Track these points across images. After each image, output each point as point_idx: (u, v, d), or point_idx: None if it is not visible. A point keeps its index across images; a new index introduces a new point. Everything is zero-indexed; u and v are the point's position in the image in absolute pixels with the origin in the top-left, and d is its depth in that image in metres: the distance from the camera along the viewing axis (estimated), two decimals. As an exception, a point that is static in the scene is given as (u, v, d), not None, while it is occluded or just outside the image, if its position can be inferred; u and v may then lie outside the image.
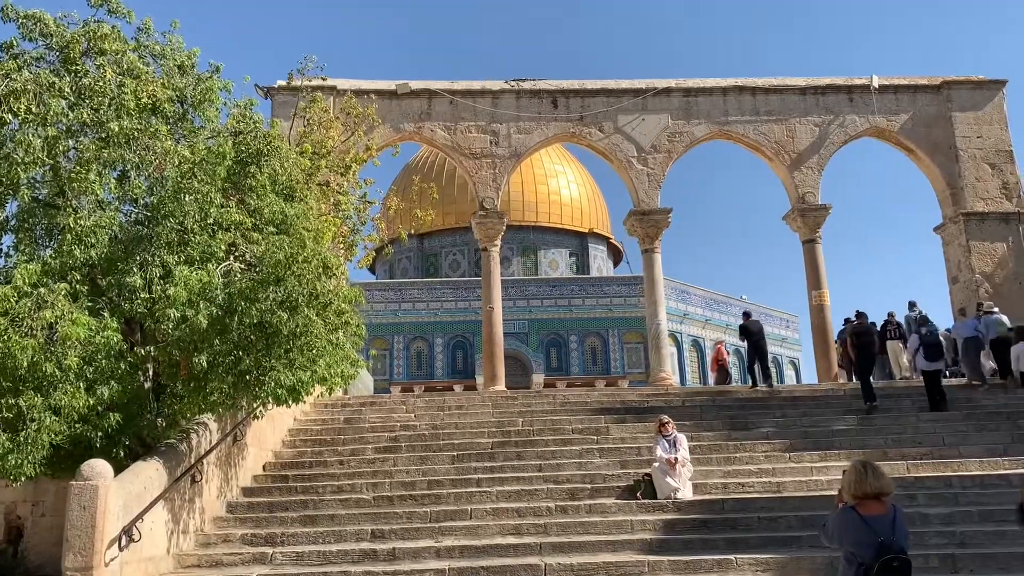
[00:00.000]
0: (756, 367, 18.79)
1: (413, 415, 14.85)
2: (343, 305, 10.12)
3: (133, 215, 9.72)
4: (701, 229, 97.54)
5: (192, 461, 9.14)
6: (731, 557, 8.30)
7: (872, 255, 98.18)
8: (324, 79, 17.21)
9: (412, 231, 50.49)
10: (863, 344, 15.15)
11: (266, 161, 10.88)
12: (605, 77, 20.65)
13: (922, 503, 9.96)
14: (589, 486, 10.89)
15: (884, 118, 20.97)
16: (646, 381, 32.07)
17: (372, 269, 55.19)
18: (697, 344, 46.60)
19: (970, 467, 11.30)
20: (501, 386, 18.94)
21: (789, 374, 48.47)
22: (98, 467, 6.96)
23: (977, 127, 20.91)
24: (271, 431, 12.83)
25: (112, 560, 7.03)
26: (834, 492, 10.01)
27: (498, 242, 20.26)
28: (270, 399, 8.76)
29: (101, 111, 8.85)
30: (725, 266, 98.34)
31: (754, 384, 16.90)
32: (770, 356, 20.42)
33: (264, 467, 12.21)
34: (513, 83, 20.81)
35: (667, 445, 10.84)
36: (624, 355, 45.21)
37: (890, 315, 18.92)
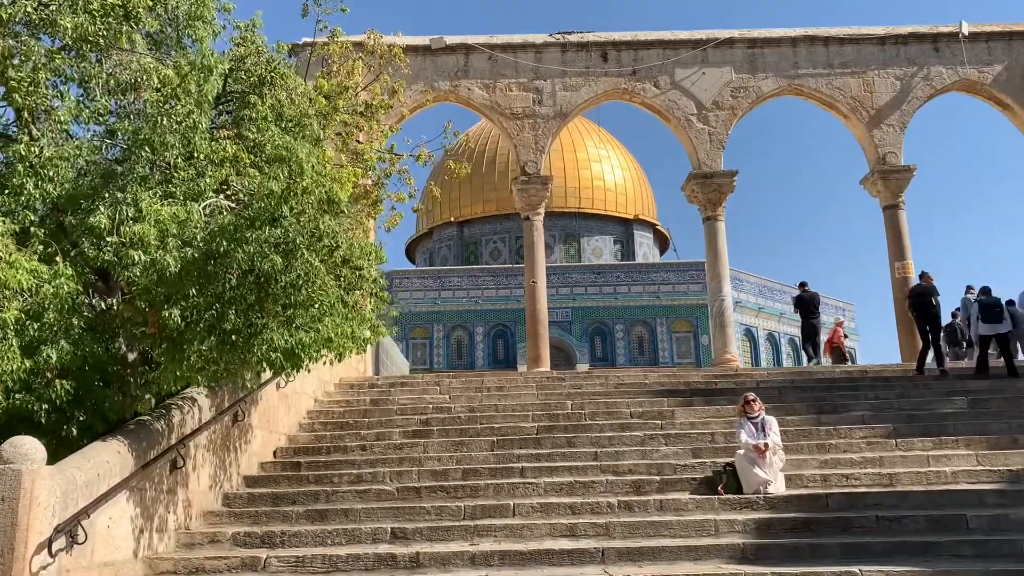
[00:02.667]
0: (810, 344, 17.80)
1: (448, 396, 13.08)
2: (359, 260, 8.36)
3: (105, 146, 8.03)
4: (755, 204, 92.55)
5: (172, 442, 7.44)
6: (854, 569, 6.33)
7: (960, 226, 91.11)
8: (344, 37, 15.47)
9: (451, 216, 48.76)
10: (920, 305, 14.36)
11: (270, 91, 9.16)
12: (660, 28, 18.42)
13: (1083, 501, 7.90)
14: (657, 478, 8.99)
15: (975, 69, 18.64)
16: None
17: (412, 258, 53.90)
18: (750, 333, 44.39)
19: None
20: (546, 368, 17.12)
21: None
22: (23, 446, 5.26)
23: (1083, 77, 18.48)
24: (285, 412, 11.16)
25: (44, 568, 5.34)
26: (962, 486, 7.87)
27: (541, 210, 18.40)
28: (264, 365, 7.01)
29: (51, 6, 7.17)
30: (780, 248, 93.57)
31: (809, 361, 15.86)
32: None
33: (275, 453, 10.54)
34: (558, 36, 18.89)
35: (753, 429, 8.90)
36: (673, 344, 43.31)
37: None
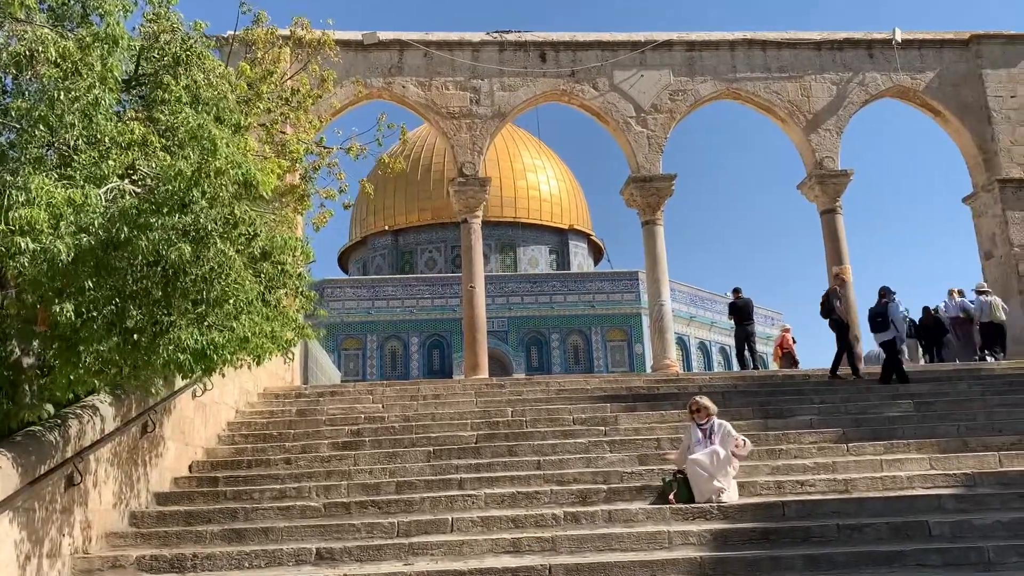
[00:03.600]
0: (746, 351, 17.81)
1: (381, 405, 12.37)
2: (282, 255, 7.66)
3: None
4: (692, 210, 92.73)
5: (67, 455, 6.60)
6: (820, 583, 5.90)
7: (895, 230, 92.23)
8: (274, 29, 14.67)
9: (385, 225, 47.72)
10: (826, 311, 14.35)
11: (185, 71, 8.39)
12: (599, 30, 18.08)
13: (1041, 504, 7.65)
14: (604, 487, 8.47)
15: (908, 76, 18.80)
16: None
17: (345, 267, 52.74)
18: (682, 342, 44.60)
19: (1078, 459, 9.03)
20: (484, 375, 16.52)
21: (779, 375, 46.57)
22: None
23: (1011, 86, 18.80)
24: (202, 424, 10.30)
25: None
26: (919, 491, 7.53)
27: (479, 213, 17.85)
28: (172, 368, 6.24)
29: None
30: (714, 255, 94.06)
31: (744, 368, 15.65)
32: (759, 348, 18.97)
33: (191, 467, 9.68)
34: (496, 35, 18.40)
35: (700, 435, 8.44)
36: (608, 353, 43.32)
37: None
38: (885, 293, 13.64)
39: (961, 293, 18.23)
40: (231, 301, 6.33)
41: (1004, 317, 16.91)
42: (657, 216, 18.00)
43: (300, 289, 8.45)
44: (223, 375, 7.29)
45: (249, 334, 6.49)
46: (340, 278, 47.33)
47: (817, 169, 18.23)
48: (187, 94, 8.01)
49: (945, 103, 18.79)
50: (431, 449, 9.89)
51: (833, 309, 14.00)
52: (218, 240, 6.05)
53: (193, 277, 6.10)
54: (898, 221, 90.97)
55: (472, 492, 8.31)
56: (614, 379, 14.42)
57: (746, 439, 8.44)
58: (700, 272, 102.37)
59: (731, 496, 7.93)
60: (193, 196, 6.16)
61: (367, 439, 10.48)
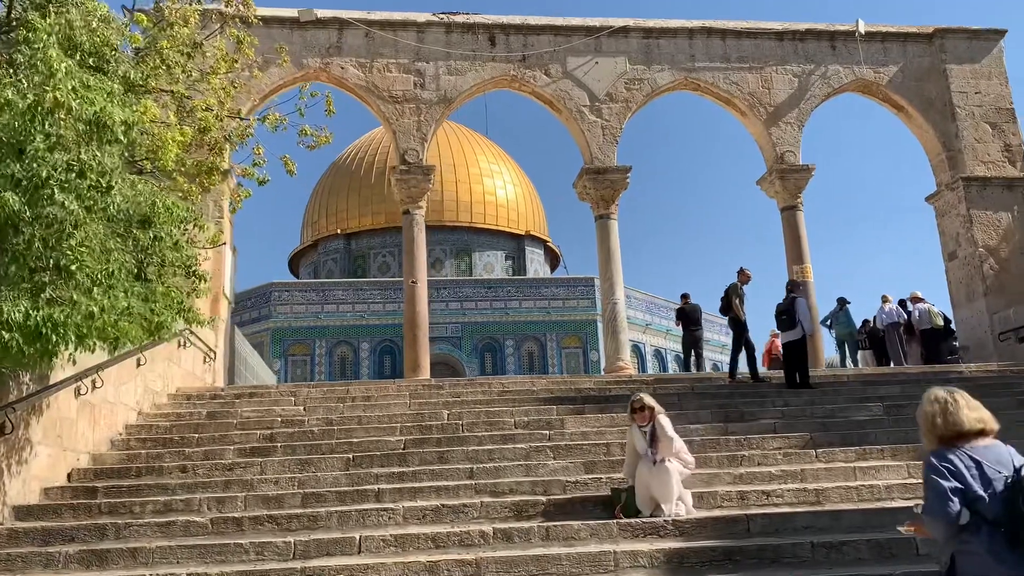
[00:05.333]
0: (692, 358, 17.33)
1: (302, 408, 11.13)
2: (165, 224, 6.44)
3: None
4: (647, 206, 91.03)
5: None
6: (796, 617, 4.84)
7: (857, 229, 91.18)
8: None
9: (338, 229, 46.38)
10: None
11: (57, 9, 7.15)
12: (552, 14, 17.07)
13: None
14: (543, 498, 7.36)
15: (871, 69, 18.11)
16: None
17: (295, 271, 51.13)
18: (638, 349, 43.88)
19: (1068, 465, 8.15)
20: (426, 376, 15.35)
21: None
22: None
23: (975, 82, 18.22)
24: (89, 426, 8.97)
25: None
26: (899, 503, 6.48)
27: (423, 203, 16.68)
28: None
29: None
30: (670, 253, 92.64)
31: None
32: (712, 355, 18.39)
33: (70, 476, 8.35)
34: (442, 15, 17.29)
35: (642, 439, 7.33)
36: (563, 360, 42.44)
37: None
38: (792, 288, 12.66)
39: (888, 299, 17.84)
40: (78, 269, 5.09)
41: (942, 323, 16.71)
42: (611, 210, 17.03)
43: (191, 267, 7.22)
44: (74, 361, 6.04)
45: (96, 310, 5.24)
46: (288, 281, 45.78)
47: (778, 164, 17.43)
48: (58, 35, 6.75)
49: (908, 98, 18.13)
50: (350, 456, 8.69)
51: (731, 307, 12.88)
52: (56, 191, 4.82)
53: (27, 237, 4.87)
54: (860, 220, 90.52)
55: (390, 505, 7.14)
56: (563, 380, 13.35)
57: (682, 454, 7.26)
58: (655, 276, 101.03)
59: (686, 507, 6.87)
60: (30, 136, 4.93)
61: (279, 445, 9.25)
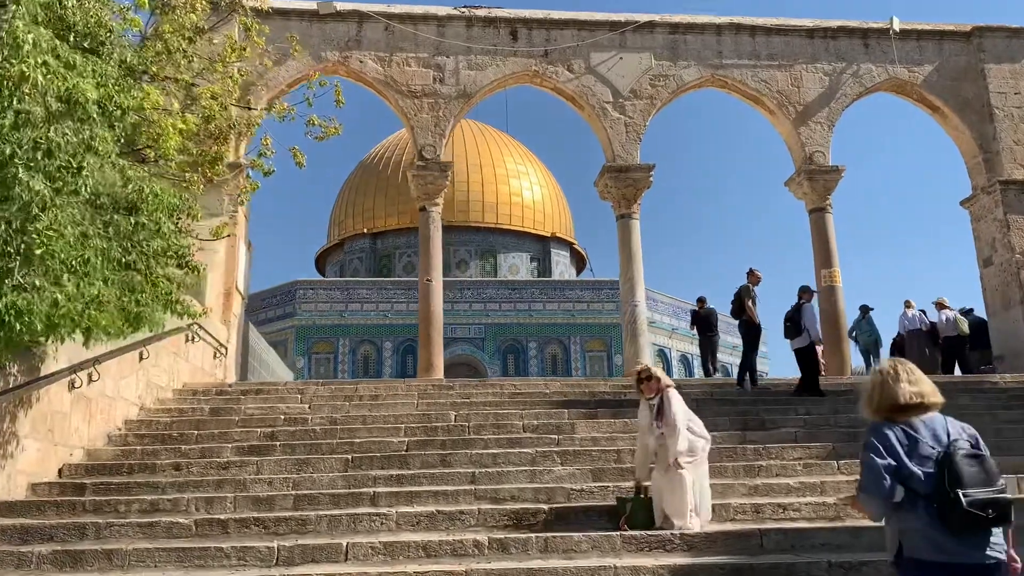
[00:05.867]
0: (708, 361, 17.04)
1: (307, 406, 10.85)
2: (155, 212, 6.15)
3: None
4: (671, 206, 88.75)
5: None
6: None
7: (888, 233, 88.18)
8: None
9: (364, 228, 46.44)
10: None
11: (48, -13, 6.89)
12: (576, 8, 16.64)
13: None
14: (545, 506, 6.98)
15: (905, 68, 17.51)
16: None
17: (322, 270, 51.19)
18: (663, 354, 43.41)
19: (1111, 484, 7.62)
20: (439, 376, 15.02)
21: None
22: None
23: (1014, 82, 17.55)
24: (83, 420, 8.74)
25: None
26: None
27: (439, 200, 16.36)
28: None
29: None
30: (696, 254, 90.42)
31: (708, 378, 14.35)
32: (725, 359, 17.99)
33: (60, 471, 8.12)
34: (464, 9, 16.97)
35: (648, 414, 6.76)
36: (586, 363, 42.02)
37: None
38: (803, 293, 12.11)
39: (911, 305, 17.52)
40: (43, 254, 4.80)
41: (967, 331, 16.34)
42: (633, 209, 16.59)
43: (183, 257, 6.94)
44: (21, 342, 5.74)
45: (61, 297, 4.95)
46: (313, 279, 45.78)
47: (807, 164, 16.89)
48: (47, 13, 6.49)
49: (944, 99, 17.50)
50: (350, 457, 8.38)
51: (744, 309, 12.33)
52: (21, 170, 4.53)
53: (-9, 221, 4.59)
54: (892, 224, 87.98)
55: (384, 510, 6.79)
56: (577, 383, 12.95)
57: (695, 428, 6.76)
58: (681, 279, 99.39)
59: (700, 519, 6.45)
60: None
61: (279, 443, 8.96)
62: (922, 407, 3.46)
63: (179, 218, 7.06)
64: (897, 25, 17.59)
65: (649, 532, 6.21)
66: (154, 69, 8.72)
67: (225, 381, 13.74)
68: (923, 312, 17.34)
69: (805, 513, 6.89)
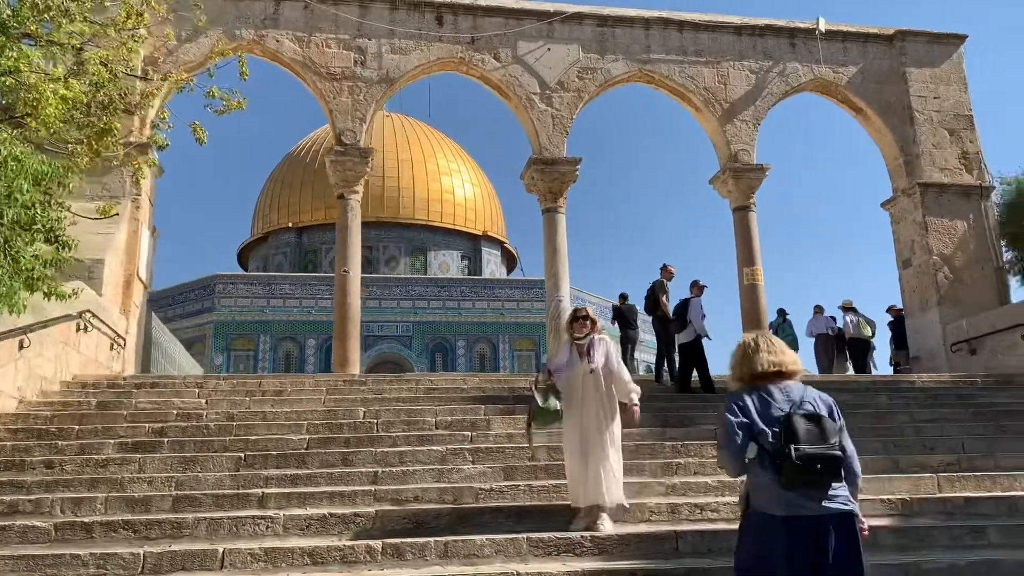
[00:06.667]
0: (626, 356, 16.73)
1: (205, 401, 10.12)
2: (18, 182, 5.45)
3: None
4: (595, 203, 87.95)
5: None
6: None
7: (810, 233, 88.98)
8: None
9: (289, 222, 45.13)
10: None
11: None
12: (504, -4, 16.21)
13: (998, 541, 6.02)
14: (451, 507, 6.50)
15: (830, 69, 17.59)
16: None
17: (245, 264, 49.65)
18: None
19: (1028, 483, 7.51)
20: (355, 372, 14.38)
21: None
22: None
23: (934, 86, 17.80)
24: (-55, 414, 7.90)
25: None
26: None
27: (359, 188, 15.72)
28: None
29: None
30: (621, 251, 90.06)
31: None
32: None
33: (-87, 472, 7.29)
34: (388, -9, 16.35)
35: (569, 353, 6.44)
36: (515, 362, 41.73)
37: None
38: (693, 288, 12.05)
39: (821, 310, 17.92)
40: None
41: (871, 333, 16.87)
42: (559, 203, 16.24)
43: (53, 232, 6.22)
44: None
45: None
46: (233, 273, 44.28)
47: (731, 162, 16.80)
48: None
49: (867, 100, 17.64)
50: (242, 455, 7.74)
51: (659, 305, 12.19)
52: None
53: None
54: (814, 224, 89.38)
55: (272, 513, 6.20)
56: (497, 379, 12.49)
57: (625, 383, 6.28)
58: (606, 280, 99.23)
59: (613, 520, 6.04)
60: None
61: (167, 440, 8.25)
62: (780, 375, 3.72)
63: (49, 188, 6.36)
64: (823, 26, 17.66)
65: (558, 535, 5.76)
66: (32, 28, 7.93)
67: (123, 373, 12.86)
68: (832, 318, 17.69)
69: (723, 514, 6.56)
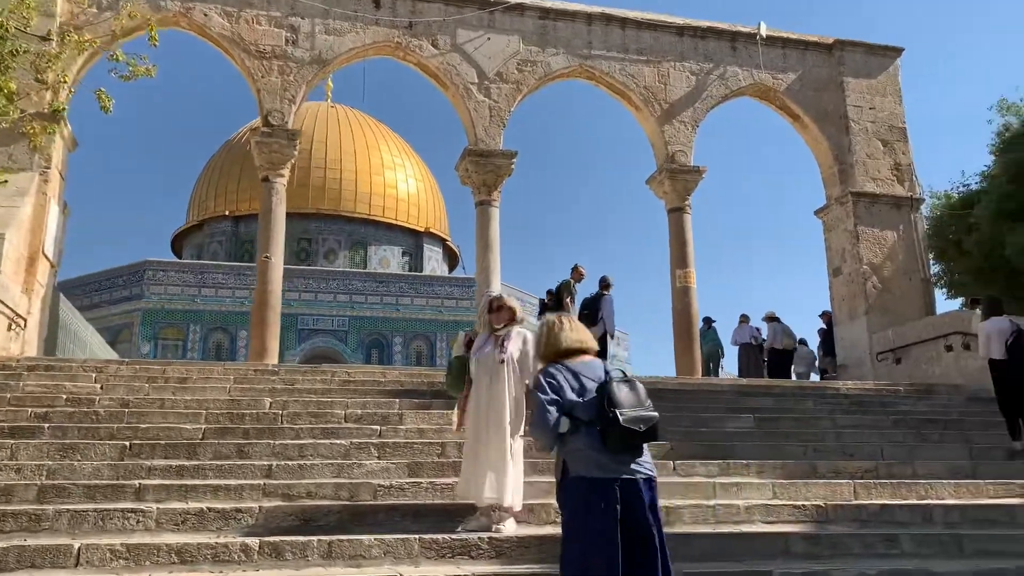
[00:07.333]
0: None
1: (100, 386, 9.50)
2: None
3: None
4: (531, 199, 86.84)
5: None
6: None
7: (745, 238, 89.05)
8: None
9: (226, 210, 43.97)
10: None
11: None
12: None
13: (910, 549, 5.83)
14: (345, 503, 6.07)
15: (770, 75, 17.58)
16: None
17: (179, 252, 48.17)
18: (526, 352, 42.97)
19: (942, 492, 7.38)
20: (273, 363, 13.80)
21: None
22: None
23: (870, 97, 17.93)
24: None
25: None
26: (759, 527, 5.43)
27: (285, 172, 15.11)
28: None
29: None
30: (557, 250, 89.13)
31: None
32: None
33: None
34: (323, -30, 15.80)
35: (484, 345, 6.06)
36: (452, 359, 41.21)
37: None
38: (603, 283, 11.89)
39: (746, 319, 18.43)
40: None
41: (794, 343, 17.36)
42: (494, 196, 15.87)
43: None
44: None
45: None
46: (164, 260, 42.88)
47: (669, 163, 16.65)
48: None
49: (805, 108, 17.67)
50: (128, 444, 7.18)
51: (562, 305, 11.96)
52: None
53: None
54: (749, 229, 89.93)
55: (145, 506, 5.69)
56: (418, 373, 12.09)
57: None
58: (539, 277, 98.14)
59: (511, 523, 5.69)
60: None
61: (49, 426, 7.64)
62: (582, 351, 4.06)
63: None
64: (764, 31, 17.65)
65: (453, 536, 5.38)
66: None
67: (22, 355, 12.08)
68: (758, 329, 17.99)
69: (633, 516, 6.25)
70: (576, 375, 3.89)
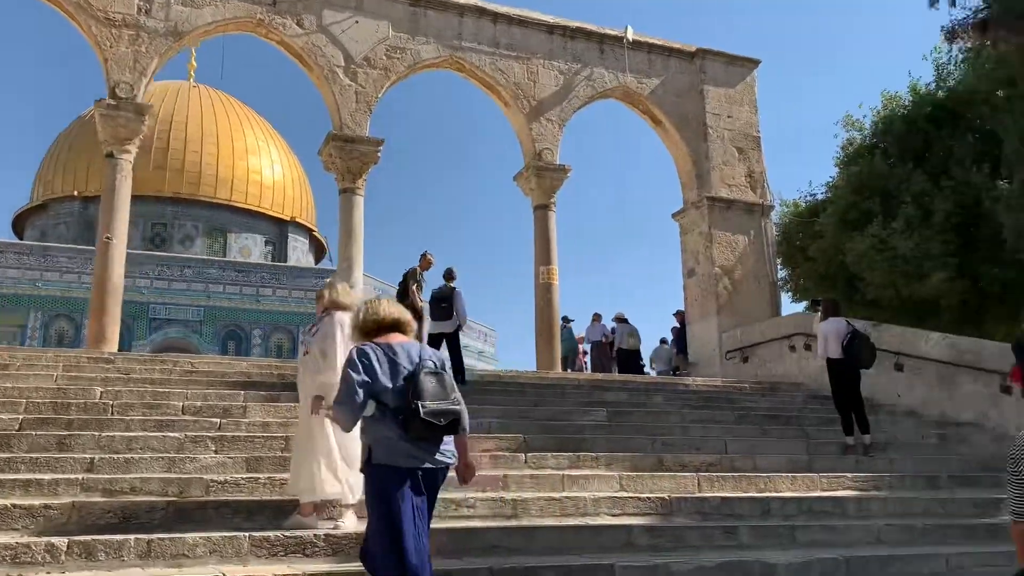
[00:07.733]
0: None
1: (-97, 372, 8.56)
2: None
3: None
4: (398, 192, 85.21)
5: None
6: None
7: (606, 238, 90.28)
8: None
9: (74, 190, 41.35)
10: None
11: None
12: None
13: (748, 541, 5.99)
14: (172, 499, 5.65)
15: (635, 79, 17.97)
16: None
17: (20, 233, 44.68)
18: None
19: (780, 486, 7.66)
20: (112, 350, 12.92)
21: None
22: None
23: (728, 106, 18.64)
24: None
25: None
26: (604, 519, 5.43)
27: (132, 148, 14.19)
28: None
29: None
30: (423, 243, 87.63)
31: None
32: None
33: None
34: (181, -63, 14.92)
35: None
36: (316, 354, 40.13)
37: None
38: (450, 275, 11.93)
39: (598, 318, 18.99)
40: None
41: (638, 344, 17.89)
42: (358, 184, 15.47)
43: None
44: None
45: None
46: (2, 240, 39.70)
47: (535, 160, 16.74)
48: None
49: (667, 113, 18.18)
50: (-73, 435, 6.46)
51: (408, 293, 11.69)
52: None
53: None
54: (611, 229, 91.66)
55: (-63, 504, 5.10)
56: (269, 364, 11.62)
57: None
58: (403, 268, 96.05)
59: (350, 518, 5.45)
60: None
61: None
62: (397, 326, 4.05)
63: None
64: (631, 35, 18.01)
65: (287, 533, 5.10)
66: None
67: None
68: (612, 330, 18.44)
69: (480, 511, 6.15)
70: (392, 359, 3.86)
